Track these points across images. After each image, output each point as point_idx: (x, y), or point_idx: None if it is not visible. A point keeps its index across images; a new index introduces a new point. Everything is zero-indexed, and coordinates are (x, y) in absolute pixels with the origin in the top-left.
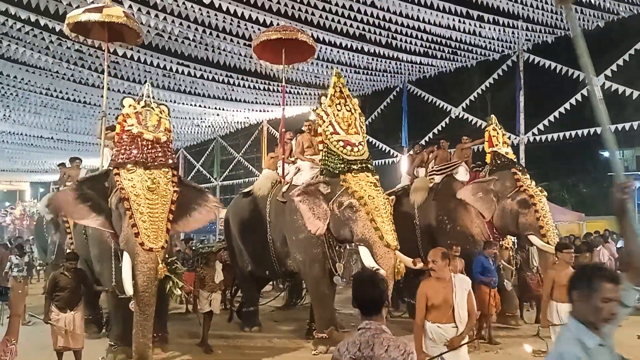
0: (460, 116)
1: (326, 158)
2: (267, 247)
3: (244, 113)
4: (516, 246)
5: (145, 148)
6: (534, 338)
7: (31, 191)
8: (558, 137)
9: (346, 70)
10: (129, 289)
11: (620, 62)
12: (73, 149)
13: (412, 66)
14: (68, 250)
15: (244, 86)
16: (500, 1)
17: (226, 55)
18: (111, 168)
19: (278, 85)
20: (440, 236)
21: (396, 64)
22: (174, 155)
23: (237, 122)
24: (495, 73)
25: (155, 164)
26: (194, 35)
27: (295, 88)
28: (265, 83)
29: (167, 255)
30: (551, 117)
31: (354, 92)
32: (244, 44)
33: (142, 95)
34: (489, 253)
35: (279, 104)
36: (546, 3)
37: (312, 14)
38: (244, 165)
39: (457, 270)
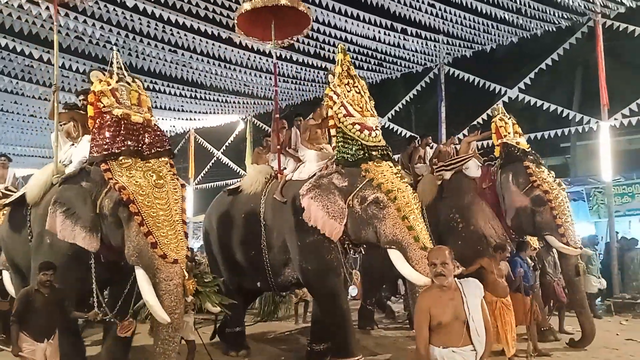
0: (386, 126)
1: (341, 145)
2: (261, 254)
3: (170, 121)
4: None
5: (138, 134)
6: None
7: None
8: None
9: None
10: (163, 315)
11: (533, 75)
12: None
13: None
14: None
15: (169, 93)
16: (422, 15)
17: (150, 60)
18: (87, 164)
19: (206, 93)
20: (450, 236)
21: (324, 74)
22: (169, 140)
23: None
24: (418, 85)
25: (153, 152)
26: (116, 40)
27: (223, 96)
28: (192, 90)
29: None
30: (470, 127)
31: (283, 101)
32: (169, 50)
33: (111, 66)
34: (527, 255)
35: (207, 112)
36: (465, 19)
37: None
38: None
39: (503, 276)
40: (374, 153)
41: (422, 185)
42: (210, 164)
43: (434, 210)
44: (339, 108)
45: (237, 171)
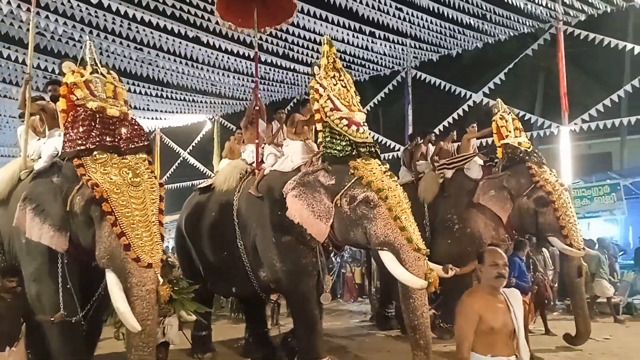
0: None
1: (328, 140)
2: (238, 256)
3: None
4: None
5: (115, 128)
6: None
7: None
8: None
9: (244, 80)
10: (133, 323)
11: (497, 80)
12: None
13: (308, 78)
14: None
15: (134, 92)
16: (390, 19)
17: (115, 58)
18: (58, 159)
19: (172, 92)
20: (442, 235)
21: (293, 75)
22: (147, 135)
23: None
24: (386, 87)
25: (130, 148)
26: (80, 36)
27: (190, 95)
28: (158, 89)
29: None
30: (436, 130)
31: (251, 101)
32: (135, 47)
33: (84, 57)
34: (524, 254)
35: (173, 112)
36: (431, 23)
37: (209, 19)
38: None
39: None
40: (362, 150)
41: (424, 183)
42: (177, 164)
43: (435, 210)
44: (325, 102)
45: (204, 172)
